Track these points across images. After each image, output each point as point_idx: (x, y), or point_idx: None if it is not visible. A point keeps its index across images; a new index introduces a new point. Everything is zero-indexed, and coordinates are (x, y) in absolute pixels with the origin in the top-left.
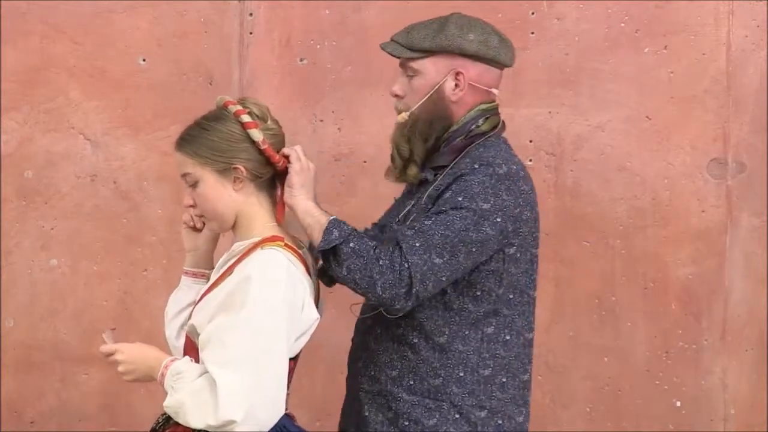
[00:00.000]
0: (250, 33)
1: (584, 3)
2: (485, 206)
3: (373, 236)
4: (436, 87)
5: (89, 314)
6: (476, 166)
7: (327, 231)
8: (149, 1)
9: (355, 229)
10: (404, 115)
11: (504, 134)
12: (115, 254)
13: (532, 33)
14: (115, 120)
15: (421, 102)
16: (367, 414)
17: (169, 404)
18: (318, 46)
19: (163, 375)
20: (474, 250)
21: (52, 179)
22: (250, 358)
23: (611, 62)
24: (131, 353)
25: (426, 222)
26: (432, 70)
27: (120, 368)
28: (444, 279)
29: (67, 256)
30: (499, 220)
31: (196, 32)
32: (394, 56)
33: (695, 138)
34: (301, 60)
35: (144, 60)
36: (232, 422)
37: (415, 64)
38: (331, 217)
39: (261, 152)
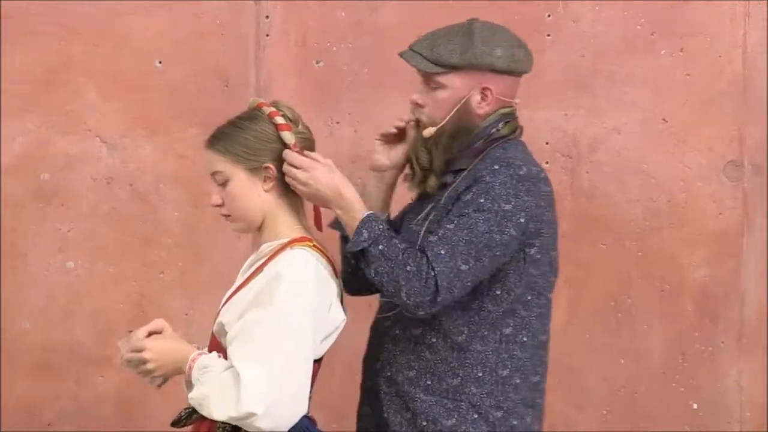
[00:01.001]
0: (267, 35)
1: (600, 5)
2: (507, 207)
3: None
4: (463, 101)
5: (105, 316)
6: (496, 167)
7: (357, 231)
8: (165, 3)
9: (387, 229)
10: (431, 130)
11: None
12: (131, 256)
13: (548, 35)
14: (131, 122)
15: (448, 117)
16: (386, 416)
17: (194, 396)
18: (334, 48)
19: (190, 368)
20: (498, 253)
21: (69, 181)
22: (276, 355)
23: (627, 64)
24: (158, 350)
25: (449, 226)
26: (458, 85)
27: (149, 366)
28: (469, 284)
29: (83, 258)
30: (522, 220)
31: (212, 34)
32: (419, 70)
33: (711, 140)
34: (317, 62)
35: (160, 62)
36: (253, 415)
37: (441, 78)
38: (365, 215)
39: None
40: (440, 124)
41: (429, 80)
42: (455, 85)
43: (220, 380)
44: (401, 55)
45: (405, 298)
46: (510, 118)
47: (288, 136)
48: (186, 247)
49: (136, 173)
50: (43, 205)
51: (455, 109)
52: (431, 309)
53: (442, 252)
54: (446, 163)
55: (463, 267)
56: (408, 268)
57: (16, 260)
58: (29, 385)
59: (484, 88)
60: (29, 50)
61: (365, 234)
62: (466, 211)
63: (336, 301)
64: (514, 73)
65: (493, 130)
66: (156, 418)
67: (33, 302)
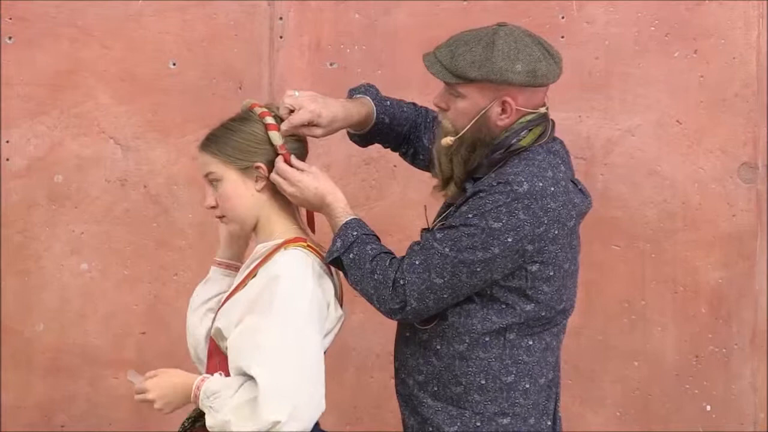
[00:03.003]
0: (280, 37)
1: (614, 7)
2: (496, 225)
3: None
4: (482, 113)
5: (119, 318)
6: (494, 184)
7: (333, 241)
8: (179, 5)
9: (364, 235)
10: (449, 140)
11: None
12: (145, 258)
13: (562, 37)
14: (145, 124)
15: (467, 127)
16: (403, 417)
17: (213, 424)
18: (348, 50)
19: (196, 396)
20: (479, 269)
21: (82, 183)
22: (286, 358)
23: (641, 66)
24: (160, 387)
25: (437, 236)
26: (478, 96)
27: (156, 405)
28: (447, 296)
29: (97, 260)
30: (510, 240)
31: (226, 36)
32: (439, 78)
33: (725, 142)
34: (331, 64)
35: (174, 64)
36: (278, 423)
37: (460, 89)
38: (344, 222)
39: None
40: (459, 135)
41: (450, 87)
42: (474, 96)
43: (235, 403)
44: (424, 58)
45: (377, 306)
46: (534, 124)
47: (275, 137)
48: (199, 249)
49: (149, 175)
50: (56, 206)
51: (474, 120)
52: (405, 317)
53: (417, 262)
54: (467, 171)
55: (438, 280)
56: (375, 276)
57: (30, 262)
58: (43, 387)
59: (503, 101)
60: (43, 52)
61: (338, 243)
62: (455, 223)
63: (333, 300)
64: (535, 86)
65: (514, 140)
66: (170, 420)
67: (47, 304)
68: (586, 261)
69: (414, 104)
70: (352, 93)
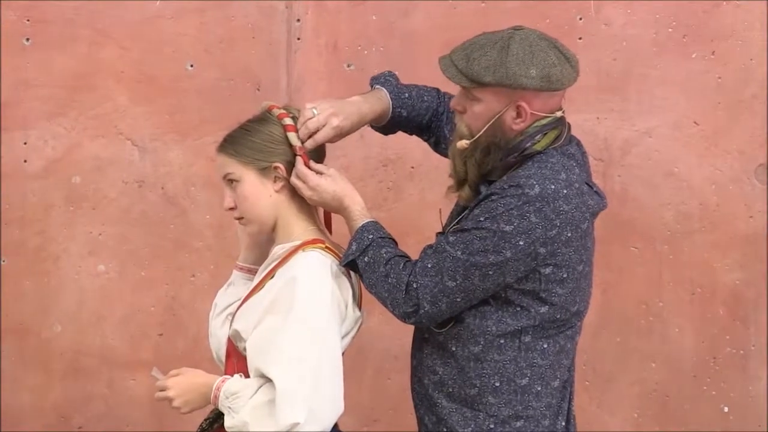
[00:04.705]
0: (298, 38)
1: (632, 8)
2: (507, 228)
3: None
4: (497, 116)
5: (137, 320)
6: (506, 187)
7: (349, 244)
8: (197, 6)
9: (380, 238)
10: (464, 143)
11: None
12: (162, 260)
13: (580, 38)
14: (162, 125)
15: (483, 130)
16: (420, 414)
17: (231, 425)
18: (365, 52)
19: (216, 397)
20: (491, 272)
21: (100, 185)
22: (305, 359)
23: (659, 67)
24: (181, 386)
25: (450, 239)
26: (493, 100)
27: (175, 404)
28: (460, 300)
29: (114, 261)
30: (521, 243)
31: (243, 38)
32: (454, 82)
33: (743, 143)
34: (348, 65)
35: (192, 65)
36: (297, 425)
37: (475, 92)
38: (360, 225)
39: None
40: (474, 138)
41: (466, 91)
42: (489, 100)
43: (254, 404)
44: (440, 61)
45: (391, 309)
46: (549, 128)
47: (293, 138)
48: (217, 250)
49: (167, 176)
50: (74, 208)
51: (489, 124)
52: (419, 320)
53: (429, 265)
54: (482, 174)
55: (450, 283)
56: (389, 279)
57: (48, 264)
58: (60, 388)
59: (518, 106)
60: (61, 54)
61: (354, 246)
62: (467, 226)
63: (351, 302)
64: (551, 90)
65: (529, 143)
66: (187, 421)
67: (64, 306)
68: (603, 262)
69: (437, 90)
70: (372, 82)
